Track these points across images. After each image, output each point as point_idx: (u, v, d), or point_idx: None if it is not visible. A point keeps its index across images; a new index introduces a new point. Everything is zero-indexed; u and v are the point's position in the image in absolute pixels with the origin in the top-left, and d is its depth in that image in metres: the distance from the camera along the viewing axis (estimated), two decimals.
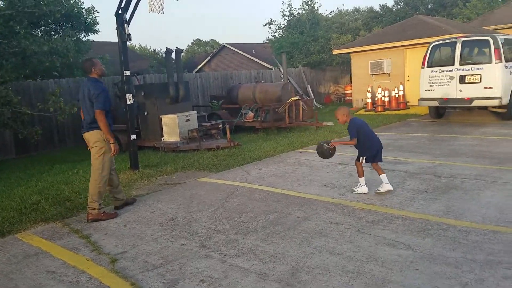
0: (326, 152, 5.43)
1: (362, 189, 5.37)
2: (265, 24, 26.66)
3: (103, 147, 5.10)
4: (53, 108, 8.82)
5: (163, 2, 7.12)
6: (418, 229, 4.11)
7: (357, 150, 5.42)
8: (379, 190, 5.29)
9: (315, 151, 5.71)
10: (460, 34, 12.33)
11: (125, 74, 7.36)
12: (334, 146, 5.42)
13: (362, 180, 5.39)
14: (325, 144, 5.43)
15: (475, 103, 10.37)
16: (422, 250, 3.64)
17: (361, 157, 5.33)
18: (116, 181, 5.50)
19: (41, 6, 10.23)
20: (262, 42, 35.86)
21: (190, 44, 54.61)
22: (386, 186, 5.28)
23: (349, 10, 39.66)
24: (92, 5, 16.32)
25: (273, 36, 26.44)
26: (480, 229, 3.98)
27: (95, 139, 5.10)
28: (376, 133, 5.62)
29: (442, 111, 12.18)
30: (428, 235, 3.95)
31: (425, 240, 3.83)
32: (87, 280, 3.58)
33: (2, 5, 10.30)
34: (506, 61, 10.17)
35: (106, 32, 54.31)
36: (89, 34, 16.40)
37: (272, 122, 11.08)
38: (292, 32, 23.73)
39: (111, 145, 5.12)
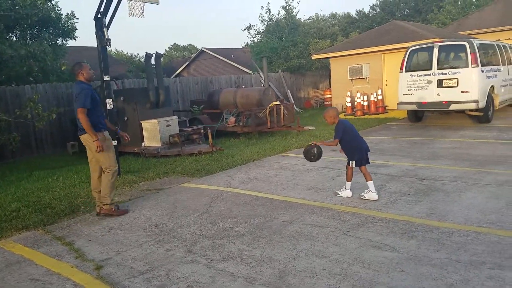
0: (312, 155, 5.41)
1: (346, 192, 5.40)
2: (244, 29, 26.80)
3: (102, 145, 5.14)
4: (30, 115, 8.61)
5: (143, 6, 7.07)
6: (402, 231, 4.15)
7: (344, 156, 5.45)
8: (363, 196, 5.26)
9: (301, 155, 5.72)
10: (437, 39, 12.60)
11: (104, 79, 7.24)
12: (320, 148, 5.38)
13: (348, 184, 5.41)
14: (313, 149, 5.39)
15: (453, 107, 10.60)
16: (407, 251, 3.67)
17: (350, 162, 5.33)
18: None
19: (17, 9, 9.98)
20: (241, 47, 35.95)
21: (167, 49, 54.38)
22: (372, 195, 5.19)
23: (326, 15, 40.26)
24: (72, 11, 16.09)
25: (252, 41, 26.55)
26: (463, 230, 4.04)
27: (91, 140, 5.14)
28: None
29: (421, 115, 12.42)
30: (412, 236, 3.99)
31: (410, 242, 3.87)
32: (72, 287, 3.50)
33: None
34: (482, 65, 10.44)
35: (84, 37, 53.48)
36: (67, 39, 16.15)
37: (253, 127, 11.07)
38: (271, 37, 23.86)
39: (94, 142, 5.07)
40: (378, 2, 35.36)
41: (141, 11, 7.00)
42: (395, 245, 3.82)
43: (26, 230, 5.01)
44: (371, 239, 4.00)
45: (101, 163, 5.27)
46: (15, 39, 13.82)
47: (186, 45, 55.22)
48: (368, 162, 5.39)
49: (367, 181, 5.26)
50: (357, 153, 5.30)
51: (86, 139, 5.19)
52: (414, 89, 11.21)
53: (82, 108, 4.99)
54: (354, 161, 5.30)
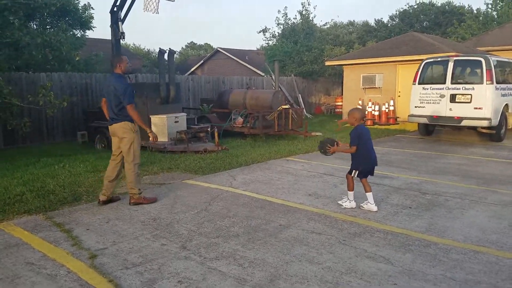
0: (325, 150, 5.16)
1: (351, 204, 5.17)
2: (260, 32, 26.75)
3: (132, 136, 5.33)
4: (42, 102, 8.72)
5: (158, 2, 7.12)
6: (399, 244, 4.08)
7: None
8: (363, 206, 5.16)
9: (305, 160, 5.67)
10: (453, 53, 12.47)
11: None
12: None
13: (351, 194, 5.16)
14: (327, 145, 5.11)
15: (465, 123, 10.46)
16: (402, 265, 3.61)
17: (353, 171, 5.07)
18: (117, 175, 5.55)
19: None
20: (256, 49, 36.00)
21: (184, 47, 54.67)
22: (371, 206, 5.07)
23: (344, 23, 40.12)
24: (88, 2, 16.32)
25: (267, 43, 26.56)
26: (462, 248, 3.97)
27: (123, 131, 5.32)
28: None
29: (431, 129, 12.28)
30: (408, 250, 3.93)
31: (406, 256, 3.81)
32: (66, 274, 3.52)
33: None
34: (497, 82, 10.28)
35: (101, 29, 54.03)
36: (85, 30, 16.35)
37: (261, 129, 11.05)
38: (285, 41, 23.84)
39: (150, 134, 5.42)
40: (397, 12, 35.16)
41: (155, 7, 7.06)
42: (390, 257, 3.77)
43: (28, 214, 5.07)
44: (366, 249, 3.94)
45: (126, 155, 5.37)
46: (34, 27, 14.02)
47: (203, 44, 55.47)
48: (372, 174, 5.19)
49: (366, 192, 5.11)
50: (363, 163, 5.05)
51: (118, 129, 5.33)
52: (426, 102, 11.09)
53: (132, 105, 5.25)
54: (357, 172, 5.06)
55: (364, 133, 5.02)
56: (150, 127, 6.40)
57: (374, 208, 5.08)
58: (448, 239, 4.21)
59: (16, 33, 9.18)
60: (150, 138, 5.47)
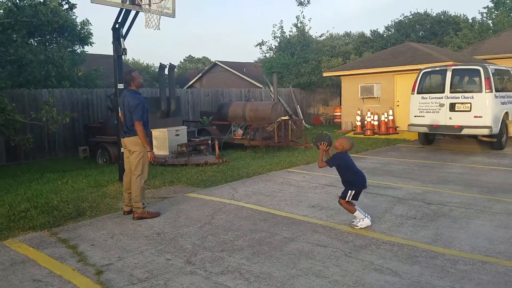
0: (317, 143, 5.05)
1: (365, 222, 4.83)
2: (257, 45, 26.90)
3: (142, 151, 5.46)
4: (45, 118, 8.77)
5: (159, 18, 7.17)
6: (406, 255, 4.05)
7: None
8: (357, 226, 4.86)
9: (306, 171, 5.63)
10: (451, 63, 12.54)
11: (118, 87, 7.30)
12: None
13: (358, 213, 4.86)
14: (321, 142, 4.99)
15: (465, 131, 10.46)
16: (410, 277, 3.57)
17: (349, 192, 4.80)
18: None
19: (40, 16, 10.24)
20: (253, 61, 36.17)
21: (182, 60, 54.99)
22: (367, 221, 4.84)
23: (340, 34, 40.43)
24: (86, 19, 16.46)
25: (264, 56, 26.69)
26: (469, 259, 3.93)
27: (134, 145, 5.46)
28: (365, 156, 5.58)
29: (432, 138, 12.28)
30: (416, 262, 3.89)
31: (413, 267, 3.77)
32: None
33: (2, 14, 10.29)
34: (497, 90, 10.31)
35: (101, 45, 54.41)
36: (84, 46, 16.47)
37: (261, 140, 11.04)
38: (282, 53, 23.98)
39: (148, 153, 5.49)
40: (393, 23, 35.43)
41: (157, 24, 7.09)
42: (398, 269, 3.73)
43: (33, 231, 5.05)
44: (373, 262, 3.90)
45: (134, 168, 5.46)
46: (35, 44, 14.12)
47: (201, 57, 55.81)
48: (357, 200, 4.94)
49: (353, 213, 4.87)
50: (356, 185, 4.83)
51: (130, 143, 5.47)
52: (426, 112, 11.11)
53: (140, 121, 5.36)
54: (353, 192, 4.79)
55: (348, 161, 4.92)
56: (152, 144, 6.40)
57: (369, 222, 4.85)
58: (455, 249, 4.18)
59: (20, 51, 9.26)
60: (149, 157, 5.50)
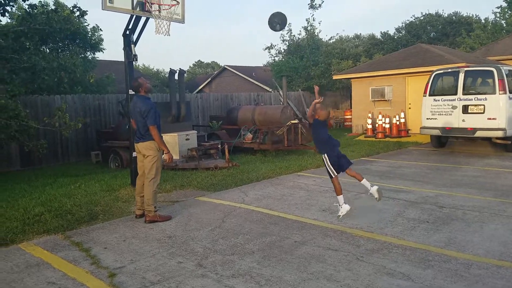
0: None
1: (344, 207, 5.29)
2: (265, 49, 26.73)
3: (156, 155, 5.57)
4: (58, 123, 8.90)
5: (169, 25, 7.23)
6: (418, 259, 4.00)
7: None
8: (339, 215, 5.32)
9: (317, 175, 5.61)
10: (463, 64, 12.41)
11: (130, 93, 7.36)
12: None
13: (340, 198, 5.31)
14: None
15: (478, 134, 10.32)
16: (422, 281, 3.53)
17: (323, 156, 5.36)
18: None
19: (52, 23, 10.41)
20: (262, 65, 36.20)
21: (192, 65, 55.32)
22: (345, 207, 5.30)
23: (350, 36, 40.30)
24: (97, 25, 16.67)
25: (273, 60, 26.64)
26: (483, 263, 3.87)
27: (148, 149, 5.55)
28: (377, 159, 5.56)
29: (444, 140, 12.14)
30: (428, 266, 3.84)
31: (426, 272, 3.72)
32: None
33: (14, 22, 10.46)
34: (510, 92, 10.15)
35: (112, 51, 55.05)
36: (95, 52, 16.67)
37: (270, 144, 11.03)
38: (291, 57, 23.93)
39: (166, 155, 5.63)
40: (404, 24, 35.19)
41: (167, 30, 7.15)
42: (410, 273, 3.68)
43: (47, 234, 5.12)
44: (385, 266, 3.86)
45: (148, 172, 5.55)
46: (48, 51, 14.36)
47: (210, 62, 56.11)
48: (350, 162, 5.51)
49: (360, 180, 5.41)
50: (326, 144, 5.41)
51: (144, 148, 5.57)
52: (438, 114, 11.00)
53: (155, 125, 5.48)
54: (326, 155, 5.34)
55: (319, 123, 5.44)
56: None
57: (347, 207, 5.29)
58: (469, 253, 4.11)
59: (33, 58, 9.43)
60: (166, 158, 5.65)
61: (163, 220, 5.53)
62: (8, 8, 9.81)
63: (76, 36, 15.05)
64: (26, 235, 5.07)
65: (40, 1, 13.05)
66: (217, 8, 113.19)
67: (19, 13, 12.30)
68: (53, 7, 12.84)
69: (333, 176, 5.34)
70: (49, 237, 5.02)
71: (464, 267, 3.79)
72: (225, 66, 31.88)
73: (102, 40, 16.47)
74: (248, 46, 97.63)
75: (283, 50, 25.77)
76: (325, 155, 5.36)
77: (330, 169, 5.33)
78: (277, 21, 5.33)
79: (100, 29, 16.37)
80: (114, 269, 3.98)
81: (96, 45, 16.29)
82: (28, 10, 10.60)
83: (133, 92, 7.31)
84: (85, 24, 15.67)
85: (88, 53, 16.54)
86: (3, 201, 6.70)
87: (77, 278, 3.83)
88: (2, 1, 9.45)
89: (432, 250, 4.22)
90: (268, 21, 5.41)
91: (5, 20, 13.36)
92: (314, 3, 23.88)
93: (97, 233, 5.12)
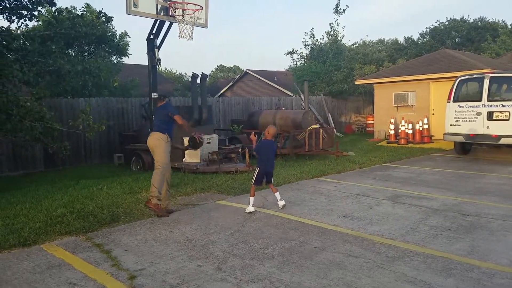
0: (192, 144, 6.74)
1: (249, 208, 6.04)
2: (287, 54, 26.68)
3: (161, 145, 6.03)
4: (82, 126, 9.09)
5: (192, 29, 7.35)
6: (440, 267, 3.94)
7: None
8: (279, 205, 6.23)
9: (337, 180, 5.62)
10: (488, 70, 12.17)
11: (153, 96, 7.51)
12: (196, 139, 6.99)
13: (251, 199, 6.10)
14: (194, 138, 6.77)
15: (503, 141, 10.10)
16: None
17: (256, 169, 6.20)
18: (167, 185, 6.25)
19: (77, 28, 10.69)
20: (284, 69, 36.17)
21: (214, 70, 55.77)
22: (280, 203, 6.20)
23: (373, 41, 39.89)
24: (125, 31, 17.10)
25: (295, 64, 26.60)
26: (507, 272, 3.79)
27: (156, 139, 6.06)
28: (399, 166, 5.51)
29: (468, 147, 11.92)
30: (450, 274, 3.78)
31: (447, 280, 3.67)
32: None
33: (41, 26, 10.76)
34: None
35: (135, 56, 55.98)
36: (121, 56, 17.03)
37: (291, 149, 11.03)
38: (313, 62, 23.87)
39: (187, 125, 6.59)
40: (428, 29, 34.66)
41: (190, 34, 7.28)
42: (432, 282, 3.64)
43: (69, 235, 5.22)
44: (406, 273, 3.83)
45: (157, 158, 6.01)
46: (73, 54, 14.74)
47: (232, 66, 56.44)
48: (269, 180, 6.30)
49: (274, 193, 6.27)
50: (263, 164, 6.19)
51: (153, 139, 6.09)
52: (462, 120, 10.81)
53: (178, 114, 6.18)
54: (257, 169, 6.18)
55: (269, 146, 6.30)
56: (184, 144, 7.70)
57: (282, 202, 6.22)
58: (492, 262, 4.03)
59: (58, 61, 9.68)
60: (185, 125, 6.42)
61: (161, 214, 5.87)
62: (35, 13, 10.11)
63: (102, 41, 15.41)
64: (48, 236, 5.17)
65: (67, 7, 13.45)
66: (240, 12, 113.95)
67: (47, 17, 12.62)
68: (79, 13, 13.19)
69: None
70: (71, 238, 5.11)
71: (486, 276, 3.73)
72: (247, 70, 32.07)
73: (128, 45, 16.85)
74: (270, 50, 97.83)
75: (305, 55, 25.74)
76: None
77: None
78: None
79: (128, 35, 16.75)
80: (134, 271, 4.03)
81: (123, 50, 16.65)
82: (54, 14, 10.90)
83: (156, 95, 7.60)
84: (113, 29, 16.03)
85: (114, 57, 16.89)
86: (26, 202, 6.88)
87: (98, 279, 3.88)
88: (30, 6, 9.75)
89: (454, 258, 4.16)
90: None
91: (31, 24, 13.77)
92: (339, 8, 23.80)
93: (118, 235, 5.20)
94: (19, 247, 4.81)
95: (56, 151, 9.43)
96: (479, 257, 4.19)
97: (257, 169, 6.18)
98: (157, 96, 6.42)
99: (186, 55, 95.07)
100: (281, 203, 6.22)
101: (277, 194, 6.25)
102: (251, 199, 6.12)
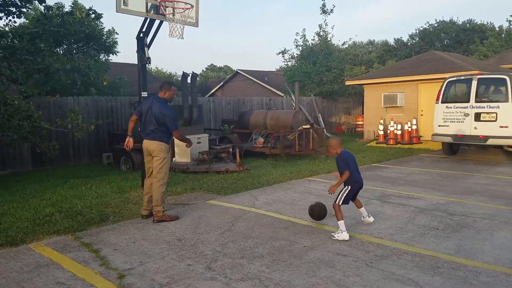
0: (319, 212, 5.45)
1: (343, 235, 4.79)
2: (279, 53, 26.87)
3: (165, 157, 5.64)
4: (70, 125, 8.99)
5: (183, 28, 7.31)
6: (427, 266, 4.00)
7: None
8: (334, 236, 4.86)
9: (327, 180, 5.65)
10: (476, 72, 12.33)
11: (142, 95, 7.46)
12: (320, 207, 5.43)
13: (342, 224, 4.85)
14: (317, 203, 5.48)
15: (490, 142, 10.25)
16: None
17: (342, 190, 5.01)
18: None
19: (67, 25, 10.58)
20: (275, 70, 36.26)
21: (204, 69, 55.71)
22: (344, 235, 4.79)
23: (363, 42, 40.19)
24: (113, 28, 16.92)
25: (286, 64, 26.70)
26: (492, 271, 3.86)
27: (158, 150, 5.61)
28: (388, 166, 5.55)
29: (456, 148, 12.06)
30: (437, 273, 3.84)
31: (435, 278, 3.72)
32: None
33: (29, 24, 10.64)
34: None
35: (124, 54, 55.65)
36: (109, 54, 16.89)
37: (282, 149, 11.06)
38: (304, 62, 23.97)
39: (187, 144, 6.07)
40: (417, 31, 35.02)
41: (180, 33, 7.24)
42: (419, 280, 3.68)
43: (57, 234, 5.17)
44: (394, 272, 3.87)
45: (157, 173, 5.61)
46: (61, 53, 14.60)
47: (222, 66, 56.44)
48: (355, 199, 5.27)
49: (338, 220, 4.87)
50: (352, 183, 5.05)
51: (153, 148, 5.62)
52: (450, 121, 10.95)
53: (177, 129, 5.74)
54: (347, 190, 5.03)
55: (349, 158, 5.11)
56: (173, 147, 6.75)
57: (346, 236, 4.79)
58: (478, 261, 4.10)
59: (47, 60, 9.57)
60: (187, 146, 6.12)
61: (171, 220, 5.64)
62: (24, 10, 9.99)
63: (91, 39, 15.28)
64: (36, 235, 5.12)
65: (56, 3, 13.30)
66: (231, 12, 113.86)
67: (33, 14, 12.47)
68: (68, 10, 13.06)
69: None
70: (59, 238, 5.07)
71: (473, 274, 3.79)
72: (238, 70, 32.05)
73: (117, 43, 16.71)
74: (261, 50, 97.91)
75: (296, 55, 25.84)
76: None
77: None
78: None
79: (116, 32, 16.62)
80: (123, 271, 4.01)
81: (111, 48, 16.51)
82: (44, 12, 10.79)
83: (146, 94, 7.46)
84: (101, 27, 15.90)
85: (102, 55, 16.75)
86: (14, 201, 6.80)
87: (86, 279, 3.86)
88: (18, 3, 9.63)
89: (441, 257, 4.22)
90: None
91: (19, 21, 13.59)
92: (325, 8, 23.96)
93: (107, 235, 5.16)
94: (6, 246, 4.76)
95: (44, 151, 9.33)
96: (465, 255, 4.25)
97: (349, 187, 5.04)
98: (165, 84, 5.86)
99: (177, 55, 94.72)
100: (369, 219, 5.36)
101: (363, 210, 5.39)
102: (342, 224, 4.84)
